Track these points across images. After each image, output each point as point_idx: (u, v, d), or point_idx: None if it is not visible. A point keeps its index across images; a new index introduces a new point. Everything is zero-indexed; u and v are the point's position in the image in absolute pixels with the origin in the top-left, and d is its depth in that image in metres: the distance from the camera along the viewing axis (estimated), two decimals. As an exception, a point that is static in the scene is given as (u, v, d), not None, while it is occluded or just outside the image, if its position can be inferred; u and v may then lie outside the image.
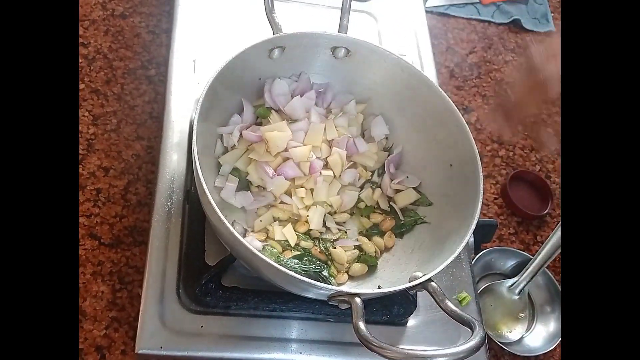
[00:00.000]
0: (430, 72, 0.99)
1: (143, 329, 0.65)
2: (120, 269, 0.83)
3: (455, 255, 0.60)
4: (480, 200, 0.66)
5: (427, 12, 1.10)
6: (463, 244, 0.62)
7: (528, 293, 0.97)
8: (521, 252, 0.98)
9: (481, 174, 0.68)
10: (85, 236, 0.84)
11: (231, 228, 0.56)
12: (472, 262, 0.92)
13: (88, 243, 0.83)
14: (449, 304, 0.58)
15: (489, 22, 1.26)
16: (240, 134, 0.73)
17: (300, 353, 0.68)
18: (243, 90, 0.74)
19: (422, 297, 0.74)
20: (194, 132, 0.62)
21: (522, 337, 0.93)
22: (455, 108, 0.73)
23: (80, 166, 0.88)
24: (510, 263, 0.98)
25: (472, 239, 0.82)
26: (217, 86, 0.66)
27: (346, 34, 0.77)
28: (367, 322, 0.71)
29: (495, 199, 1.05)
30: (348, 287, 0.62)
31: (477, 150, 0.70)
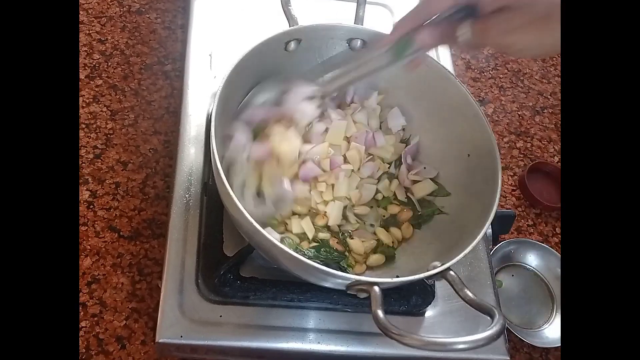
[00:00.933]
0: (446, 64, 0.98)
1: (163, 319, 0.66)
2: (139, 261, 0.84)
3: (473, 244, 0.60)
4: (499, 190, 0.65)
5: None
6: (481, 235, 0.61)
7: (547, 284, 0.96)
8: (540, 243, 0.97)
9: (499, 164, 0.68)
10: (105, 229, 0.85)
11: (250, 218, 0.56)
12: (491, 253, 0.92)
13: (108, 235, 0.85)
14: (468, 292, 0.57)
15: (505, 13, 1.25)
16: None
17: (318, 342, 0.68)
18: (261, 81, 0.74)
19: (440, 287, 0.74)
20: (212, 124, 0.62)
21: (541, 329, 0.92)
22: (472, 99, 0.72)
23: (99, 160, 0.89)
24: (529, 254, 0.97)
25: (490, 230, 0.81)
26: (234, 79, 0.66)
27: (362, 25, 0.77)
28: (385, 312, 0.73)
29: (513, 190, 1.05)
30: (366, 277, 0.62)
31: (495, 141, 0.70)
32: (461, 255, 0.59)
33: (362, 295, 0.56)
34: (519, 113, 1.13)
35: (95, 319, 0.79)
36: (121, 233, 0.85)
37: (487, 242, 0.82)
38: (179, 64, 0.99)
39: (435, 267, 0.58)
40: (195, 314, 0.67)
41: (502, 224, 0.84)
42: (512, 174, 1.06)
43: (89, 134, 0.91)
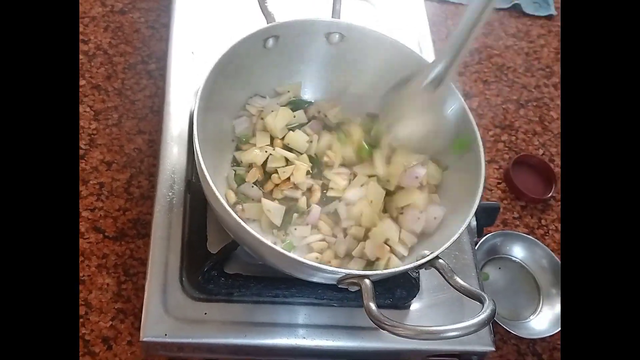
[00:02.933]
0: (429, 60, 0.99)
1: (147, 317, 0.66)
2: (124, 262, 0.84)
3: (460, 231, 0.60)
4: (482, 179, 0.66)
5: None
6: (466, 222, 0.62)
7: (533, 275, 0.97)
8: (526, 235, 0.98)
9: (483, 156, 0.68)
10: (89, 230, 0.84)
11: (234, 215, 0.56)
12: (476, 247, 0.92)
13: (92, 236, 0.84)
14: (458, 280, 0.58)
15: (489, 7, 1.26)
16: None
17: (304, 338, 0.68)
18: (242, 80, 0.74)
19: (425, 280, 0.74)
20: (195, 121, 0.62)
21: (528, 320, 0.92)
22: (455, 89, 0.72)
23: (83, 161, 0.89)
24: (515, 246, 0.98)
25: (474, 223, 0.82)
26: (216, 77, 0.66)
27: (339, 19, 0.77)
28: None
29: (499, 183, 1.05)
30: (357, 271, 0.61)
31: (478, 133, 0.70)
32: (449, 242, 0.59)
33: (354, 288, 0.56)
34: (504, 107, 1.14)
35: (81, 320, 0.78)
36: (106, 234, 0.85)
37: (472, 234, 0.82)
38: (162, 63, 0.99)
39: (424, 256, 0.59)
40: (180, 312, 0.67)
41: (487, 216, 0.84)
42: (497, 167, 1.07)
43: (72, 135, 0.90)
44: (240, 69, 0.73)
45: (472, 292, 0.56)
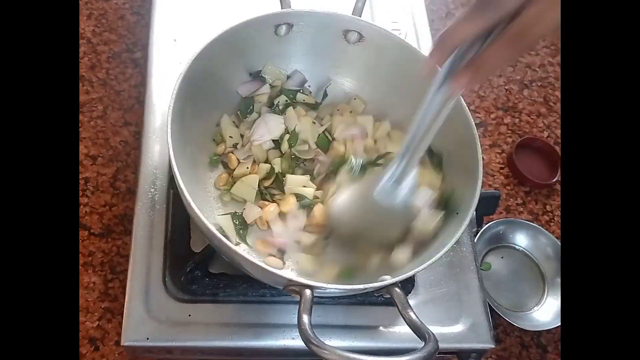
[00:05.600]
0: (426, 40, 0.94)
1: (129, 320, 0.63)
2: (111, 259, 0.81)
3: (429, 263, 0.55)
4: (478, 192, 0.61)
5: (423, -26, 1.04)
6: (446, 249, 0.56)
7: (537, 264, 0.93)
8: (530, 223, 0.94)
9: (480, 161, 0.63)
10: (74, 227, 0.82)
11: (205, 220, 0.53)
12: (477, 236, 0.89)
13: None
14: (412, 314, 0.53)
15: (492, -17, 1.20)
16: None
17: (293, 338, 0.65)
18: (243, 63, 0.71)
19: (421, 275, 0.71)
20: (169, 116, 0.59)
21: (532, 311, 0.89)
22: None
23: (67, 155, 0.86)
24: (519, 234, 0.94)
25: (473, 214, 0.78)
26: (210, 55, 0.63)
27: (360, 17, 0.73)
28: (363, 303, 0.70)
29: (501, 168, 1.01)
30: (301, 279, 0.53)
31: (476, 133, 0.64)
32: (411, 272, 0.55)
33: (295, 296, 0.52)
34: (507, 87, 1.09)
35: (67, 320, 0.76)
36: (92, 230, 0.82)
37: (471, 224, 0.78)
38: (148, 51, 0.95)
39: (383, 280, 0.54)
40: (163, 314, 0.64)
41: (486, 205, 0.80)
42: (500, 151, 1.02)
43: (55, 129, 0.87)
44: (243, 52, 0.69)
45: (419, 330, 0.52)
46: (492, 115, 1.05)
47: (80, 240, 0.81)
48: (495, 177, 0.99)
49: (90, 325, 0.76)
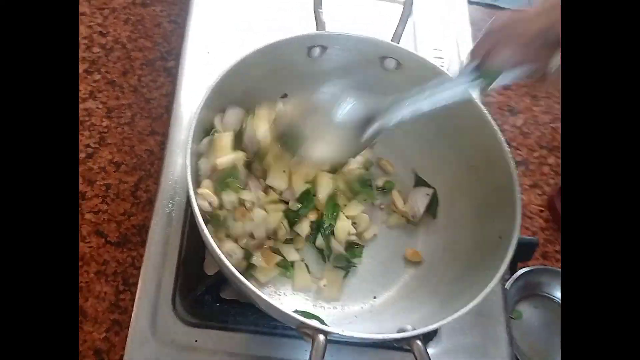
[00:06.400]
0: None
1: (133, 338, 0.60)
2: (125, 270, 0.79)
3: (457, 315, 0.51)
4: (515, 239, 0.56)
5: (470, 3, 1.00)
6: (474, 303, 0.52)
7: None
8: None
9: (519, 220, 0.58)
10: (91, 233, 0.80)
11: (214, 245, 0.50)
12: (510, 283, 0.83)
13: (94, 241, 0.80)
14: None
15: (543, 14, 1.15)
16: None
17: (303, 377, 0.61)
18: (272, 84, 0.68)
19: (445, 321, 0.66)
20: (193, 123, 0.56)
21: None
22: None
23: (91, 160, 0.85)
24: (556, 284, 0.87)
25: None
26: (238, 71, 0.61)
27: (399, 43, 0.69)
28: (379, 346, 0.65)
29: (541, 211, 0.95)
30: (315, 323, 0.50)
31: (516, 175, 0.59)
32: (438, 324, 0.50)
33: (308, 339, 0.48)
34: (552, 125, 1.03)
35: (73, 330, 0.74)
36: (108, 239, 0.80)
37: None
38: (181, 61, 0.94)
39: (404, 330, 0.50)
40: (168, 337, 0.61)
41: (522, 252, 0.74)
42: (540, 192, 0.97)
43: (82, 132, 0.86)
44: (275, 72, 0.66)
45: None
46: (535, 154, 1.00)
47: (96, 248, 0.79)
48: (533, 219, 0.94)
49: (97, 336, 0.74)
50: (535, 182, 0.97)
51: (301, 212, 0.64)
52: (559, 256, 0.91)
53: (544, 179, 0.98)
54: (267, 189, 0.64)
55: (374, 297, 0.66)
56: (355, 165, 0.68)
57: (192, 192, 0.52)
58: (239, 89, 0.64)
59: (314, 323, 0.47)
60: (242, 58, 0.61)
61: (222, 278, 0.63)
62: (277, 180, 0.63)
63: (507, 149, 0.61)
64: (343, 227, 0.65)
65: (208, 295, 0.62)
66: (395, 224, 0.71)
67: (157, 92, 0.91)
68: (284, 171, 0.64)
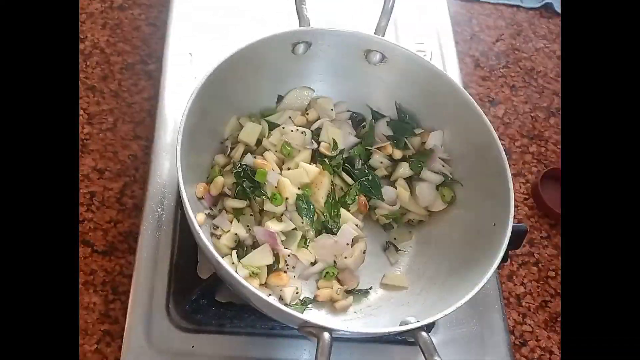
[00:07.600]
0: (452, 62, 0.90)
1: (128, 348, 0.60)
2: (113, 279, 0.77)
3: (459, 305, 0.51)
4: (510, 227, 0.57)
5: (449, -5, 1.01)
6: (471, 294, 0.53)
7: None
8: (555, 258, 0.89)
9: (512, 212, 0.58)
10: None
11: (210, 247, 0.49)
12: (500, 272, 0.84)
13: (80, 250, 0.78)
14: None
15: (518, 6, 1.17)
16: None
17: (303, 377, 0.61)
18: (258, 83, 0.68)
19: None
20: (180, 132, 0.55)
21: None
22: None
23: (73, 168, 0.83)
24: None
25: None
26: (223, 74, 0.60)
27: (383, 36, 0.69)
28: (379, 341, 0.65)
29: (525, 199, 0.96)
30: (318, 321, 0.50)
31: (507, 165, 0.60)
32: (440, 314, 0.51)
33: (313, 339, 0.48)
34: (532, 115, 1.05)
35: (64, 342, 0.72)
36: (95, 247, 0.78)
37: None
38: (163, 64, 0.92)
39: (407, 323, 0.50)
40: (164, 344, 0.60)
41: (512, 240, 0.75)
42: (524, 181, 0.98)
43: (63, 140, 0.84)
44: (259, 70, 0.66)
45: None
46: (517, 143, 1.01)
47: (83, 258, 0.77)
48: (519, 207, 0.95)
49: (88, 349, 0.72)
50: (518, 170, 0.98)
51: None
52: (545, 242, 0.92)
53: (526, 167, 0.99)
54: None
55: (370, 291, 0.66)
56: None
57: (183, 193, 0.51)
58: (226, 88, 0.64)
59: (318, 322, 0.47)
60: (227, 58, 0.60)
61: (217, 281, 0.62)
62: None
63: (496, 135, 0.62)
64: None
65: (203, 299, 0.62)
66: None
67: (138, 96, 0.89)
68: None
